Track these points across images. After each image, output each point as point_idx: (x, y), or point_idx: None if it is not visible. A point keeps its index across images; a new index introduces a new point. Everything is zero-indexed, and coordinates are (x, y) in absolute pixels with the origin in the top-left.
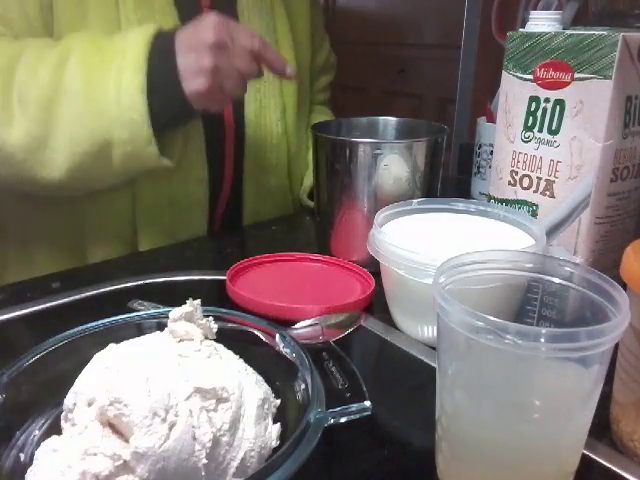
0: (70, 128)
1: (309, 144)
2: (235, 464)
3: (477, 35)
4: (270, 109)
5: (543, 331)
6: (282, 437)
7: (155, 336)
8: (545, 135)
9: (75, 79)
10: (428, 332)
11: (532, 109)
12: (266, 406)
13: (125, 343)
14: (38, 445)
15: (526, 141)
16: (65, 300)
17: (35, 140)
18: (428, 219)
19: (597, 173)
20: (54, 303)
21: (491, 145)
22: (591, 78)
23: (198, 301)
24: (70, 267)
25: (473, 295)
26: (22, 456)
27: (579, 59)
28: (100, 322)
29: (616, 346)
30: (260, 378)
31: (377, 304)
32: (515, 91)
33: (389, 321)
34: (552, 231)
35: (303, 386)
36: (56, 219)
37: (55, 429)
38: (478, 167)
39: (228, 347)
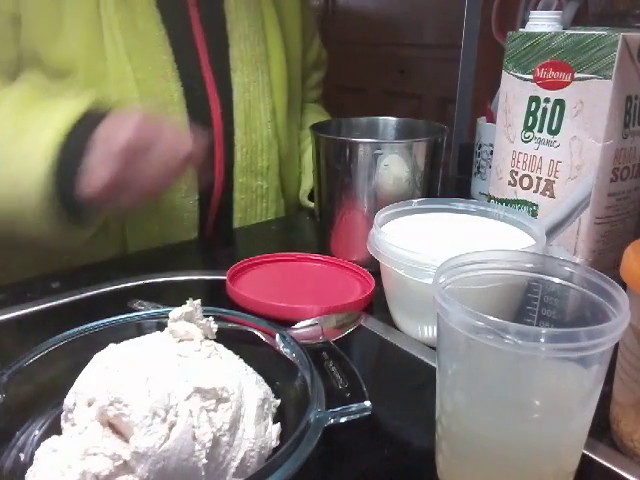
0: None
1: (305, 144)
2: (235, 464)
3: (477, 35)
4: (260, 111)
5: (543, 331)
6: (282, 437)
7: (155, 336)
8: (545, 135)
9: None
10: (428, 332)
11: (532, 109)
12: (266, 406)
13: (125, 343)
14: (38, 445)
15: (526, 141)
16: (65, 300)
17: None
18: (428, 219)
19: (597, 173)
20: (54, 303)
21: (491, 145)
22: (591, 78)
23: (198, 301)
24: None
25: (473, 295)
26: (22, 456)
27: (579, 59)
28: (100, 322)
29: (616, 346)
30: (260, 378)
31: (377, 304)
32: (515, 91)
33: (389, 321)
34: (552, 231)
35: (303, 386)
36: None
37: (55, 429)
38: (478, 167)
39: (228, 347)
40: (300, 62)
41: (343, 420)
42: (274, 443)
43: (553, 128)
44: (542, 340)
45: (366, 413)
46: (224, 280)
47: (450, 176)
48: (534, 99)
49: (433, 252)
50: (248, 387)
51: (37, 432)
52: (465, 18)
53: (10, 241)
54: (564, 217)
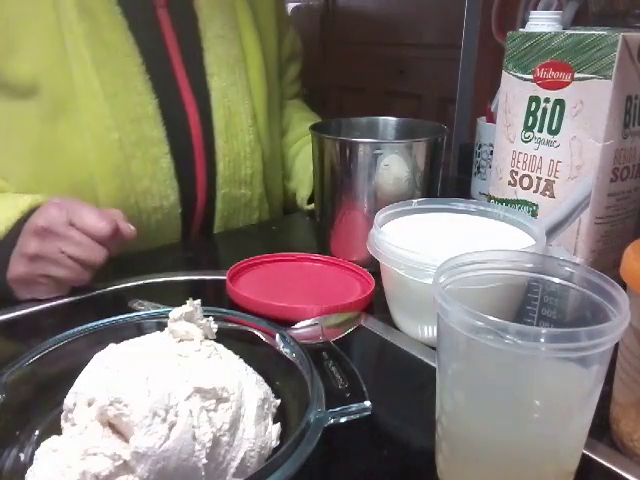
0: None
1: (295, 148)
2: (235, 464)
3: (477, 35)
4: (240, 116)
5: (543, 331)
6: (282, 437)
7: (155, 336)
8: (545, 135)
9: None
10: (428, 332)
11: (532, 109)
12: (266, 406)
13: (125, 343)
14: (38, 445)
15: (526, 141)
16: (65, 300)
17: None
18: (428, 219)
19: (597, 173)
20: (54, 303)
21: (491, 145)
22: (591, 78)
23: (198, 301)
24: None
25: (473, 295)
26: (22, 456)
27: (579, 59)
28: (100, 322)
29: (616, 346)
30: (260, 378)
31: (377, 304)
32: (515, 91)
33: (389, 321)
34: (552, 231)
35: (303, 386)
36: None
37: (55, 429)
38: (478, 167)
39: (228, 347)
40: (277, 58)
41: (343, 420)
42: (274, 443)
43: (553, 128)
44: (542, 340)
45: (366, 413)
46: (224, 280)
47: (450, 176)
48: (534, 99)
49: (433, 252)
50: (248, 387)
51: (37, 432)
52: (465, 18)
53: None
54: (564, 217)
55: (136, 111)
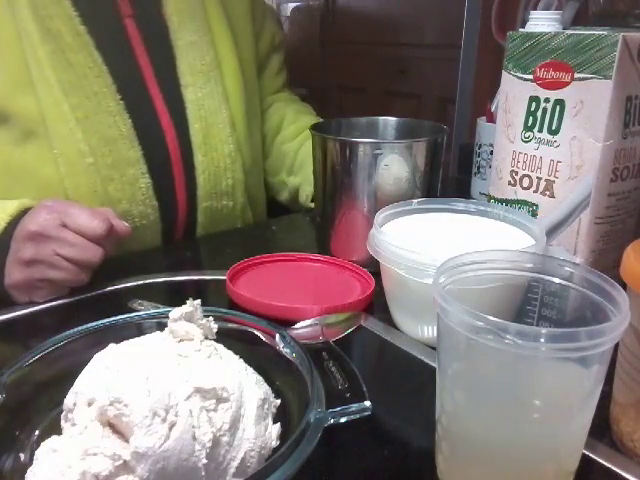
0: None
1: (295, 144)
2: (235, 464)
3: (477, 35)
4: (218, 126)
5: (543, 331)
6: (282, 437)
7: (155, 336)
8: (545, 135)
9: None
10: (428, 332)
11: (532, 109)
12: (266, 406)
13: (125, 343)
14: (38, 445)
15: (526, 141)
16: (65, 300)
17: None
18: (428, 219)
19: (597, 173)
20: (54, 303)
21: (491, 145)
22: (591, 78)
23: (198, 301)
24: None
25: (473, 295)
26: (22, 456)
27: (579, 59)
28: (100, 322)
29: (616, 346)
30: (260, 378)
31: (377, 304)
32: (515, 91)
33: (389, 321)
34: (552, 231)
35: (303, 386)
36: None
37: (55, 429)
38: (478, 167)
39: (228, 347)
40: (254, 57)
41: (343, 420)
42: (274, 443)
43: (553, 128)
44: (542, 340)
45: (366, 413)
46: (224, 280)
47: (450, 176)
48: (534, 99)
49: (433, 252)
50: (248, 387)
51: (37, 432)
52: (465, 18)
53: None
54: (564, 217)
55: (110, 133)
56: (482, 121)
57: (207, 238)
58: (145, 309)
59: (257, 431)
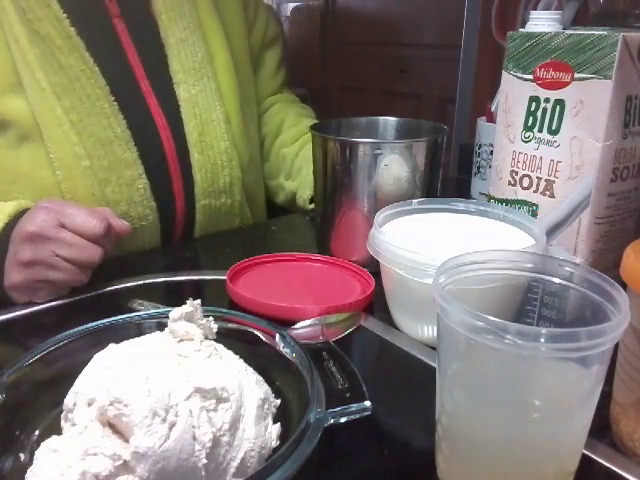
0: None
1: (295, 147)
2: (235, 464)
3: (477, 35)
4: (213, 123)
5: (543, 331)
6: (282, 437)
7: (155, 336)
8: (545, 135)
9: None
10: (428, 332)
11: (532, 109)
12: (266, 406)
13: (125, 343)
14: (38, 445)
15: (526, 141)
16: (65, 300)
17: None
18: (428, 219)
19: (597, 173)
20: (54, 303)
21: (491, 145)
22: (591, 78)
23: (198, 301)
24: None
25: (473, 295)
26: (22, 456)
27: (579, 59)
28: (100, 322)
29: (616, 346)
30: (260, 378)
31: (377, 304)
32: (515, 91)
33: (389, 321)
34: (552, 231)
35: (303, 386)
36: None
37: (55, 429)
38: (478, 167)
39: (228, 347)
40: (248, 51)
41: (343, 420)
42: (274, 443)
43: (553, 128)
44: (542, 340)
45: (366, 413)
46: (224, 280)
47: (450, 176)
48: (534, 99)
49: (433, 252)
50: (248, 387)
51: (37, 432)
52: (465, 18)
53: None
54: (564, 217)
55: (105, 135)
56: (482, 121)
57: (207, 238)
58: (145, 309)
59: (257, 431)
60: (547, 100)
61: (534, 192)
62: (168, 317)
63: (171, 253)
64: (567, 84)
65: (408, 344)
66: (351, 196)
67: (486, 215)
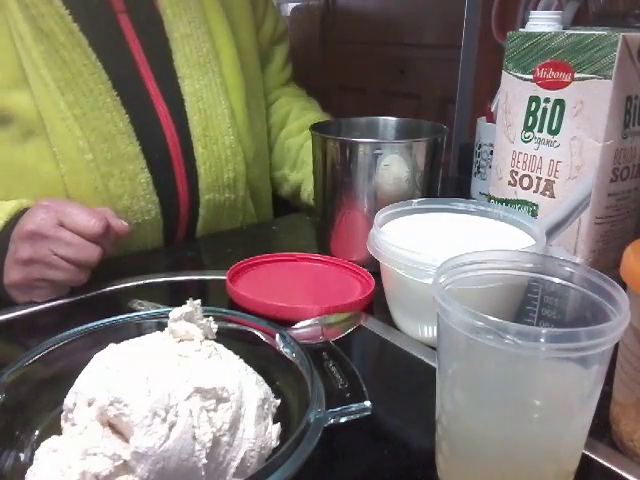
0: None
1: (299, 139)
2: (235, 464)
3: (477, 35)
4: (217, 118)
5: (543, 331)
6: (282, 437)
7: (155, 336)
8: (545, 135)
9: None
10: (428, 332)
11: (532, 109)
12: (266, 406)
13: (125, 343)
14: (38, 445)
15: (526, 141)
16: (65, 300)
17: None
18: (428, 219)
19: (597, 173)
20: (54, 303)
21: (491, 145)
22: (591, 78)
23: (198, 301)
24: None
25: (473, 295)
26: (22, 456)
27: (579, 59)
28: (100, 322)
29: (616, 346)
30: (260, 378)
31: (377, 304)
32: (515, 91)
33: (389, 321)
34: (552, 231)
35: (303, 386)
36: None
37: (55, 429)
38: (478, 167)
39: (228, 347)
40: (255, 47)
41: (343, 420)
42: (274, 443)
43: (553, 128)
44: (542, 340)
45: (366, 413)
46: (224, 280)
47: (450, 176)
48: (534, 99)
49: (433, 252)
50: (248, 387)
51: (37, 432)
52: (465, 18)
53: None
54: (564, 217)
55: (108, 129)
56: (482, 121)
57: (207, 238)
58: (145, 309)
59: (257, 431)
60: (547, 100)
61: (534, 192)
62: (168, 317)
63: (171, 253)
64: (567, 84)
65: (408, 344)
66: (351, 196)
67: (486, 215)
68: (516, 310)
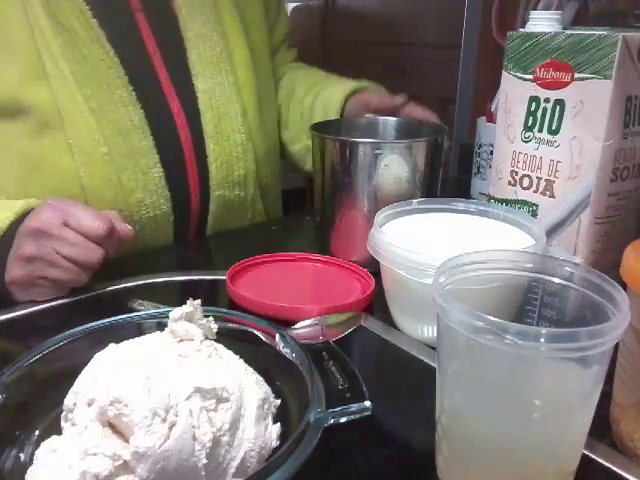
0: None
1: (293, 103)
2: (235, 464)
3: (477, 35)
4: (229, 115)
5: (543, 331)
6: (282, 437)
7: (155, 336)
8: (545, 135)
9: None
10: (428, 332)
11: (532, 109)
12: (266, 406)
13: (125, 343)
14: (38, 445)
15: (526, 141)
16: (65, 300)
17: None
18: (428, 219)
19: (597, 173)
20: (54, 303)
21: (491, 145)
22: (591, 78)
23: (198, 301)
24: None
25: (473, 295)
26: (22, 456)
27: (579, 59)
28: (100, 322)
29: (616, 346)
30: (260, 378)
31: (377, 304)
32: (515, 91)
33: (389, 321)
34: (552, 231)
35: (303, 386)
36: None
37: (55, 429)
38: (478, 167)
39: (228, 347)
40: (267, 48)
41: (343, 420)
42: (274, 443)
43: (553, 128)
44: (542, 340)
45: (366, 413)
46: (224, 280)
47: (450, 176)
48: (534, 99)
49: (433, 252)
50: (248, 387)
51: (37, 432)
52: (465, 18)
53: None
54: (564, 217)
55: (123, 123)
56: (482, 121)
57: (207, 238)
58: (145, 309)
59: (257, 431)
60: (547, 100)
61: (534, 192)
62: (168, 317)
63: (171, 253)
64: (567, 84)
65: (408, 344)
66: (351, 196)
67: (486, 215)
68: (516, 310)
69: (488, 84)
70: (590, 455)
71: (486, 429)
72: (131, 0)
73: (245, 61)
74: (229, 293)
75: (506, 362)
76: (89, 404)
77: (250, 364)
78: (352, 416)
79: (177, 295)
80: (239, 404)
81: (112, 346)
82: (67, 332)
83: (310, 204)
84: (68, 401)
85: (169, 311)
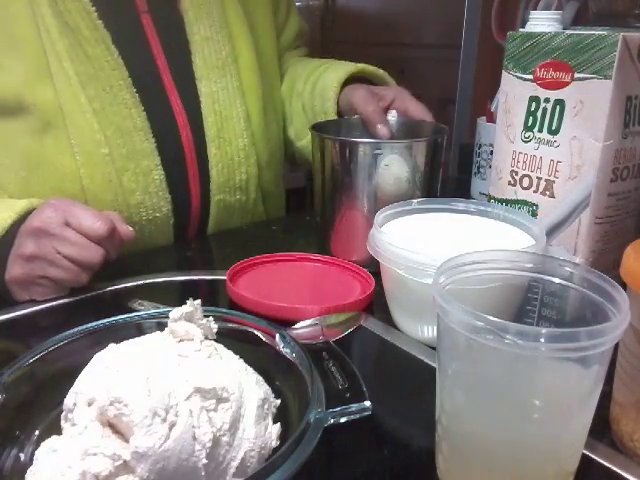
0: None
1: (293, 94)
2: (235, 464)
3: (477, 35)
4: (233, 120)
5: (543, 331)
6: (282, 437)
7: (155, 336)
8: (545, 135)
9: None
10: (428, 332)
11: (532, 109)
12: (266, 406)
13: (125, 343)
14: (38, 445)
15: (526, 141)
16: (65, 300)
17: None
18: (428, 219)
19: (597, 173)
20: (54, 303)
21: (491, 145)
22: (591, 78)
23: (198, 301)
24: None
25: (473, 295)
26: (22, 456)
27: (579, 59)
28: (100, 322)
29: (616, 346)
30: (260, 378)
31: (377, 304)
32: (515, 91)
33: (389, 321)
34: (552, 231)
35: (303, 386)
36: None
37: (55, 429)
38: (478, 167)
39: (228, 347)
40: (275, 53)
41: (343, 420)
42: (274, 443)
43: (553, 128)
44: (542, 340)
45: (366, 413)
46: (224, 280)
47: (450, 176)
48: (534, 99)
49: (433, 252)
50: (248, 387)
51: (37, 432)
52: (465, 18)
53: None
54: (564, 217)
55: (125, 124)
56: (482, 121)
57: (207, 238)
58: (145, 309)
59: (257, 431)
60: (547, 100)
61: (534, 192)
62: (168, 317)
63: (172, 253)
64: (567, 84)
65: (408, 344)
66: (351, 196)
67: (486, 215)
68: (516, 310)
69: (488, 84)
70: (590, 455)
71: (486, 429)
72: (137, 2)
73: (251, 65)
74: (229, 293)
75: (506, 362)
76: (89, 404)
77: (250, 364)
78: (352, 416)
79: (177, 295)
80: (239, 404)
81: (112, 346)
82: (67, 332)
83: (310, 204)
84: (68, 401)
85: (169, 311)
